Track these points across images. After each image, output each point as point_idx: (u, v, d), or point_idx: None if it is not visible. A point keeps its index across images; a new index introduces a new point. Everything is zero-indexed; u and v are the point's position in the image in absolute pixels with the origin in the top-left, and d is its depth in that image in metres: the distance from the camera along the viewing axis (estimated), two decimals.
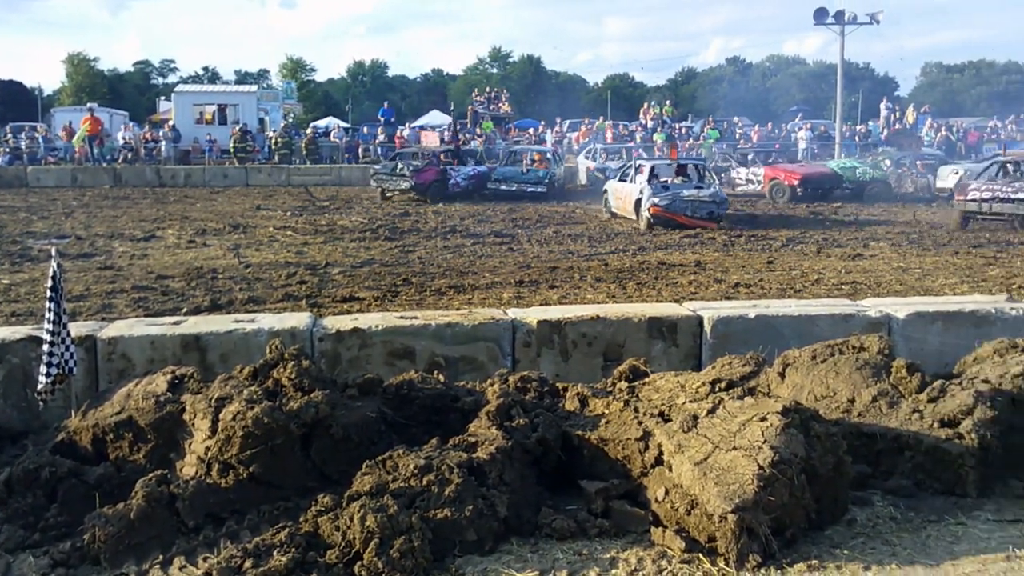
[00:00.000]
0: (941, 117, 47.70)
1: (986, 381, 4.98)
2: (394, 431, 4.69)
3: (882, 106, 44.94)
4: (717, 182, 21.46)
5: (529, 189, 25.44)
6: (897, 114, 42.80)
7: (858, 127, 45.31)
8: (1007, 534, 4.13)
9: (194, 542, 3.99)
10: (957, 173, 24.45)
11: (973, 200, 18.45)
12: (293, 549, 3.79)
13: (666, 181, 19.94)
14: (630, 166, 21.49)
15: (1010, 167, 19.93)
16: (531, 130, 44.55)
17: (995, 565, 3.82)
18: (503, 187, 25.69)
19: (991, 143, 37.98)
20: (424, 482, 4.03)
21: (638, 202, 18.99)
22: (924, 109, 44.41)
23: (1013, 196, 17.98)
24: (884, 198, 24.62)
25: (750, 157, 28.80)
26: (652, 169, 20.02)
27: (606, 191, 21.64)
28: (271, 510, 4.21)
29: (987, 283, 11.63)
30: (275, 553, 3.77)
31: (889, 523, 4.27)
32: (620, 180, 21.13)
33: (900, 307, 6.96)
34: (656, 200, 18.53)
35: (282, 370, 4.78)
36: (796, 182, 25.03)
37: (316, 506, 4.05)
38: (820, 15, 35.65)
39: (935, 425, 4.73)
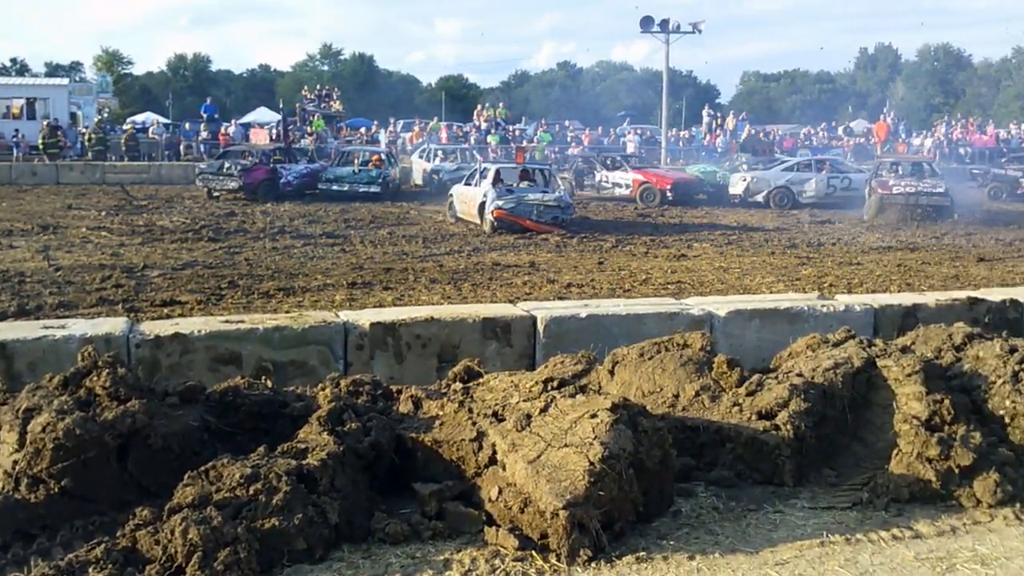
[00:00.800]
0: (759, 124, 50.22)
1: (800, 375, 5.22)
2: (219, 440, 4.51)
3: (704, 113, 46.93)
4: (562, 187, 21.48)
5: (362, 189, 24.97)
6: (719, 121, 44.72)
7: (682, 132, 47.17)
8: (821, 521, 4.34)
9: (1, 561, 3.72)
10: (745, 180, 25.97)
11: (900, 194, 21.96)
12: (110, 565, 3.59)
13: (511, 185, 19.85)
14: (475, 170, 21.27)
15: (899, 167, 23.71)
16: (363, 129, 44.03)
17: (811, 551, 4.01)
18: (335, 187, 25.12)
19: (805, 149, 40.26)
20: (251, 491, 3.88)
21: (482, 206, 18.89)
22: (742, 116, 46.64)
23: (931, 191, 21.82)
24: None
25: (615, 160, 28.88)
26: (497, 172, 19.92)
27: (451, 195, 21.29)
28: (86, 525, 3.96)
29: (801, 282, 12.30)
30: (90, 570, 3.57)
31: (712, 513, 4.41)
32: (466, 184, 20.88)
33: (721, 305, 7.25)
34: (500, 203, 18.44)
35: (96, 378, 4.52)
36: (668, 187, 25.74)
37: (134, 520, 3.84)
38: (646, 23, 36.96)
39: (753, 417, 4.94)
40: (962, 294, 7.91)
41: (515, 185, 19.95)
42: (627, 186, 26.63)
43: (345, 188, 25.07)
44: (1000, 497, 4.43)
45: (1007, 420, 4.89)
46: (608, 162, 28.58)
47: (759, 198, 25.30)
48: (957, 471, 4.50)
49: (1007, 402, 4.93)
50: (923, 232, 19.18)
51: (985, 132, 43.39)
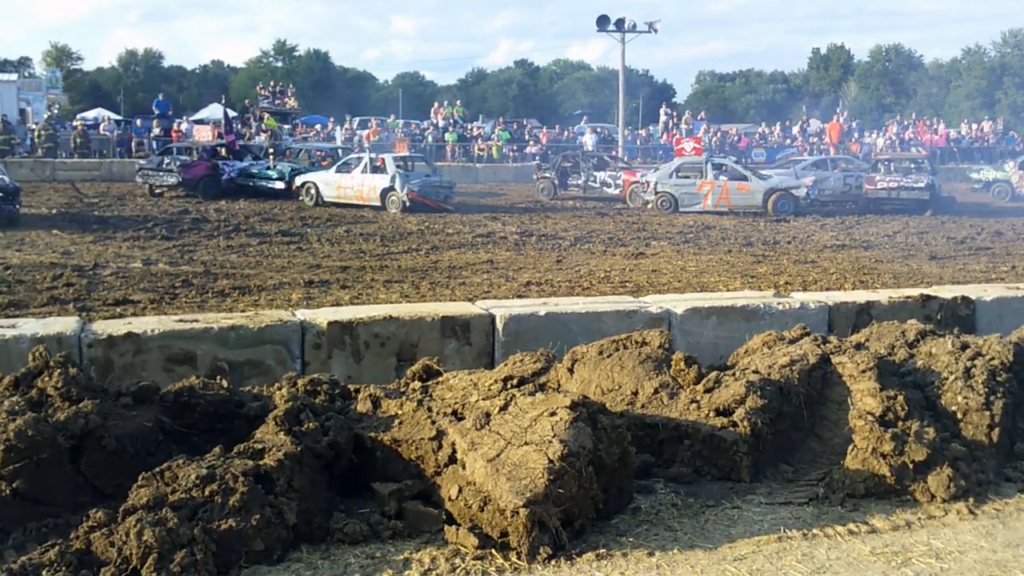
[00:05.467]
0: (714, 123, 50.59)
1: (756, 372, 5.27)
2: (174, 441, 4.45)
3: (662, 112, 47.18)
4: (432, 171, 24.53)
5: (269, 186, 24.55)
6: (675, 119, 45.01)
7: (639, 131, 47.39)
8: (778, 516, 4.39)
9: None
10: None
11: (883, 189, 23.84)
12: (64, 568, 3.54)
13: (408, 170, 22.81)
14: (354, 158, 24.03)
15: (890, 164, 25.44)
16: (319, 126, 43.66)
17: (768, 546, 4.05)
18: (249, 183, 24.79)
19: (760, 148, 40.65)
20: (207, 492, 3.83)
21: (386, 190, 21.88)
22: (700, 115, 46.97)
23: (913, 185, 23.57)
24: None
25: (602, 160, 28.21)
26: (396, 160, 22.98)
27: (310, 183, 23.29)
28: (39, 527, 3.91)
29: (756, 279, 12.41)
30: (44, 572, 3.52)
31: (671, 509, 4.44)
32: (337, 172, 23.24)
33: (679, 303, 7.29)
34: (411, 186, 21.64)
35: (47, 379, 4.44)
36: None
37: (88, 522, 3.79)
38: (602, 22, 37.03)
39: (711, 414, 4.97)
40: (915, 291, 8.02)
41: (405, 171, 22.72)
42: (617, 186, 25.99)
43: (250, 184, 24.72)
44: (953, 492, 4.51)
45: (960, 416, 4.98)
46: (604, 162, 28.07)
47: None
48: (911, 466, 4.57)
49: (959, 398, 5.01)
50: (875, 230, 19.45)
51: (936, 132, 44.14)
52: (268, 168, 25.12)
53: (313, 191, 23.19)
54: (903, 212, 22.85)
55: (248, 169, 25.17)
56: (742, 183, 22.99)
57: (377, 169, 22.52)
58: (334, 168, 23.68)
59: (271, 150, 27.02)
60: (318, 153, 27.67)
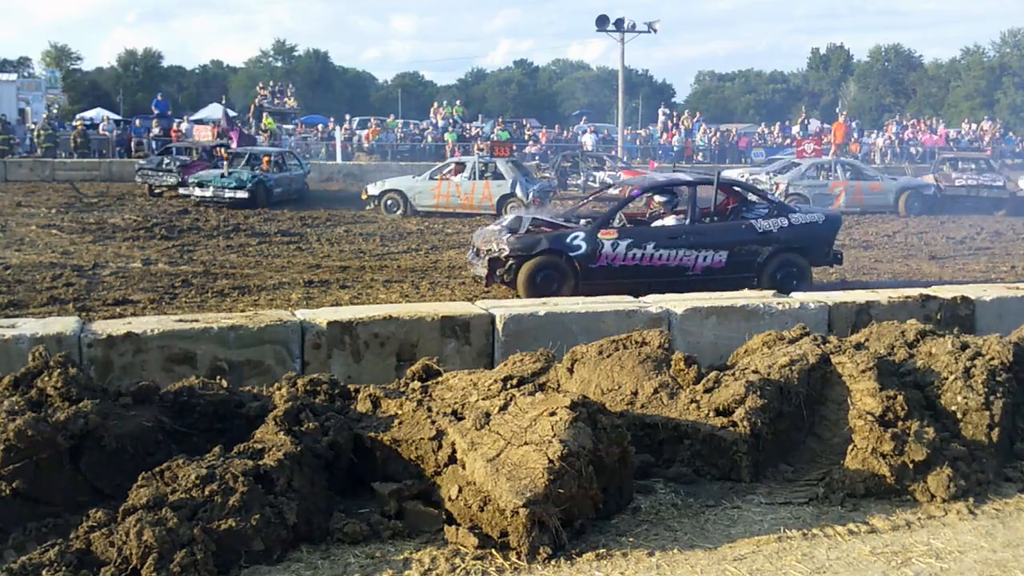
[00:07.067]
0: (713, 123, 50.57)
1: (756, 372, 5.27)
2: (174, 440, 4.45)
3: (660, 112, 47.19)
4: (525, 172, 23.11)
5: (228, 195, 21.88)
6: (674, 120, 45.00)
7: (639, 131, 47.38)
8: (778, 516, 4.39)
9: None
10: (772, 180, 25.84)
11: (962, 186, 23.64)
12: (64, 568, 3.55)
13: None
14: (453, 162, 22.95)
15: (959, 162, 25.75)
16: (319, 126, 43.65)
17: (768, 546, 4.05)
18: (197, 192, 22.19)
19: (759, 148, 40.64)
20: (207, 492, 3.84)
21: (505, 197, 20.71)
22: (697, 116, 46.97)
23: (992, 184, 23.60)
24: None
25: (600, 160, 28.26)
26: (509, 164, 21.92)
27: (393, 193, 21.47)
28: (39, 527, 3.91)
29: None
30: (44, 572, 3.52)
31: (671, 509, 4.44)
32: (431, 178, 21.78)
33: (678, 303, 7.28)
34: (535, 192, 20.70)
35: (47, 379, 4.44)
36: None
37: (88, 522, 3.80)
38: (601, 22, 37.02)
39: (711, 414, 4.97)
40: (914, 291, 8.01)
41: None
42: (617, 186, 26.12)
43: (209, 193, 22.10)
44: (953, 491, 4.51)
45: (959, 415, 4.98)
46: (602, 161, 27.98)
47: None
48: (911, 466, 4.57)
49: (959, 398, 5.01)
50: (875, 230, 19.44)
51: (936, 132, 44.12)
52: (222, 176, 22.57)
53: (399, 200, 21.45)
54: (977, 211, 22.30)
55: (203, 179, 22.57)
56: (874, 183, 22.99)
57: (487, 174, 21.44)
58: (426, 175, 22.20)
59: (226, 155, 24.64)
60: (265, 158, 24.62)
